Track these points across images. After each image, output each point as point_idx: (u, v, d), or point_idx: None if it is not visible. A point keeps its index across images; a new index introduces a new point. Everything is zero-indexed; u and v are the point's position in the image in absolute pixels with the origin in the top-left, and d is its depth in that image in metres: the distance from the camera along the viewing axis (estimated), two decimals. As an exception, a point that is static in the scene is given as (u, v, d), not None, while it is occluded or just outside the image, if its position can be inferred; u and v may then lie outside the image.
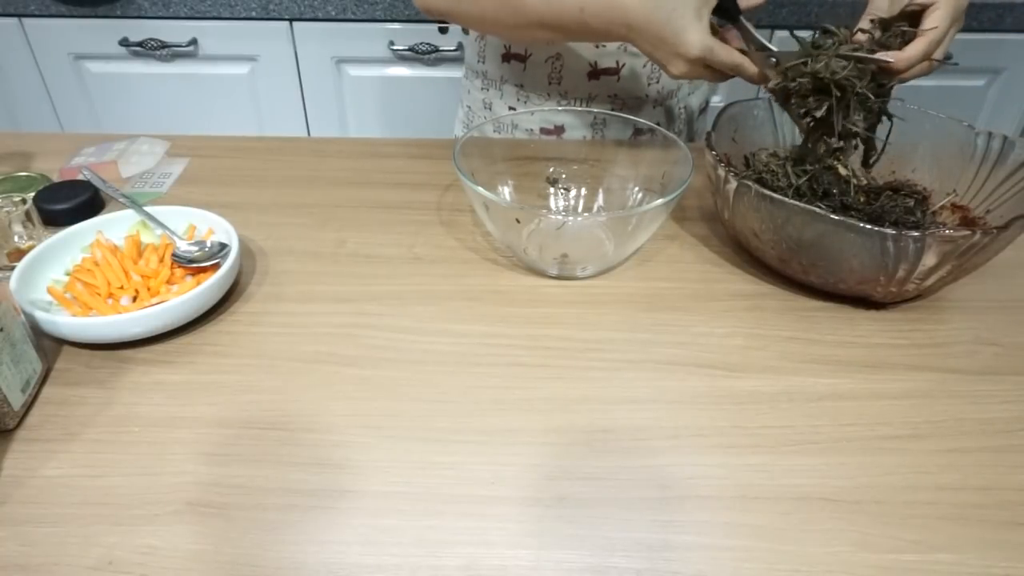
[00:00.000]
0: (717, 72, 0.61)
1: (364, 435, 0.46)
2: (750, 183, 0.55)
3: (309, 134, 1.52)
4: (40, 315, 0.50)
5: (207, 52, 1.41)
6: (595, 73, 0.79)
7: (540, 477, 0.44)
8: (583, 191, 0.71)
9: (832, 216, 0.51)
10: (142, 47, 1.39)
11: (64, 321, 0.50)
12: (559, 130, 0.83)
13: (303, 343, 0.54)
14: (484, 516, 0.41)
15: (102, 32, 1.38)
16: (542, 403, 0.49)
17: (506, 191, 0.69)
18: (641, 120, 0.68)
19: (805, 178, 0.60)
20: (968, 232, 0.49)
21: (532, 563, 0.39)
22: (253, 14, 1.35)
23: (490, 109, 0.87)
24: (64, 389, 0.50)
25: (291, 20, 1.36)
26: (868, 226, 0.50)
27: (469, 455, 0.45)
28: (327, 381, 0.51)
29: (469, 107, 0.90)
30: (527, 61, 0.80)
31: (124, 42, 1.38)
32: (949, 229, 0.61)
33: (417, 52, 1.39)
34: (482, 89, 0.87)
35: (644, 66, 0.79)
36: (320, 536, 0.40)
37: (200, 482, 0.43)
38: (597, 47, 0.77)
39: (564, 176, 0.71)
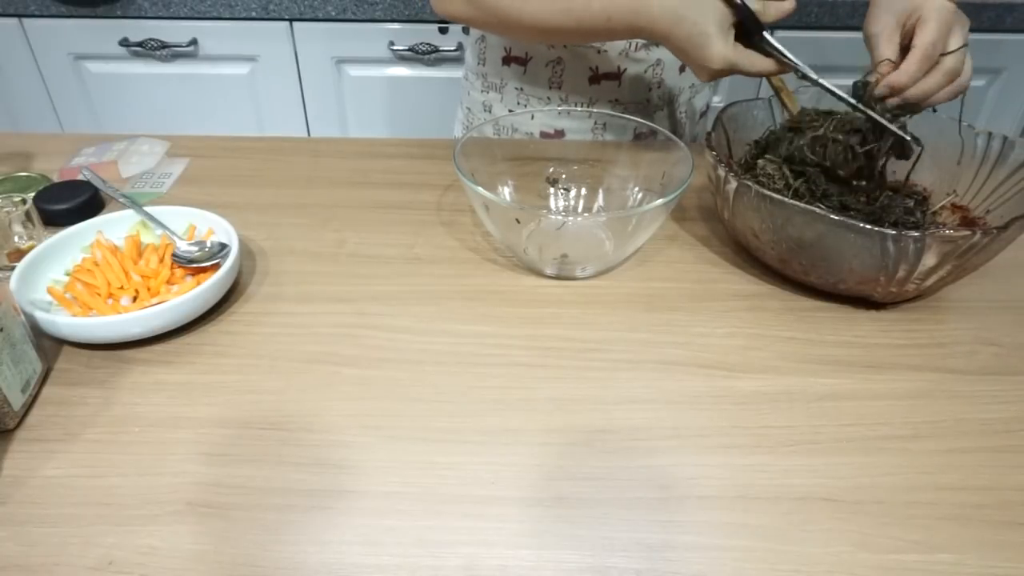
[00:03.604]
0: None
1: (364, 435, 0.46)
2: (750, 183, 0.55)
3: (309, 134, 1.52)
4: (40, 315, 0.50)
5: (207, 52, 1.41)
6: (596, 78, 0.79)
7: (540, 477, 0.44)
8: (583, 191, 0.71)
9: (832, 216, 0.51)
10: (142, 47, 1.38)
11: (64, 321, 0.50)
12: (559, 134, 0.83)
13: (303, 343, 0.54)
14: (484, 516, 0.41)
15: (102, 32, 1.37)
16: (542, 403, 0.49)
17: (506, 191, 0.69)
18: (642, 122, 0.68)
19: (802, 179, 0.60)
20: (968, 232, 0.49)
21: (532, 563, 0.39)
22: (253, 14, 1.35)
23: (490, 111, 0.86)
24: (64, 389, 0.50)
25: (291, 20, 1.36)
26: (868, 226, 0.50)
27: (469, 455, 0.45)
28: (327, 381, 0.51)
29: (469, 108, 0.90)
30: (528, 64, 0.80)
31: (124, 42, 1.38)
32: (949, 229, 0.60)
33: (417, 52, 1.39)
34: (482, 91, 0.86)
35: (646, 71, 0.79)
36: (320, 536, 0.40)
37: (200, 482, 0.43)
38: (599, 52, 0.77)
39: (564, 176, 0.71)
